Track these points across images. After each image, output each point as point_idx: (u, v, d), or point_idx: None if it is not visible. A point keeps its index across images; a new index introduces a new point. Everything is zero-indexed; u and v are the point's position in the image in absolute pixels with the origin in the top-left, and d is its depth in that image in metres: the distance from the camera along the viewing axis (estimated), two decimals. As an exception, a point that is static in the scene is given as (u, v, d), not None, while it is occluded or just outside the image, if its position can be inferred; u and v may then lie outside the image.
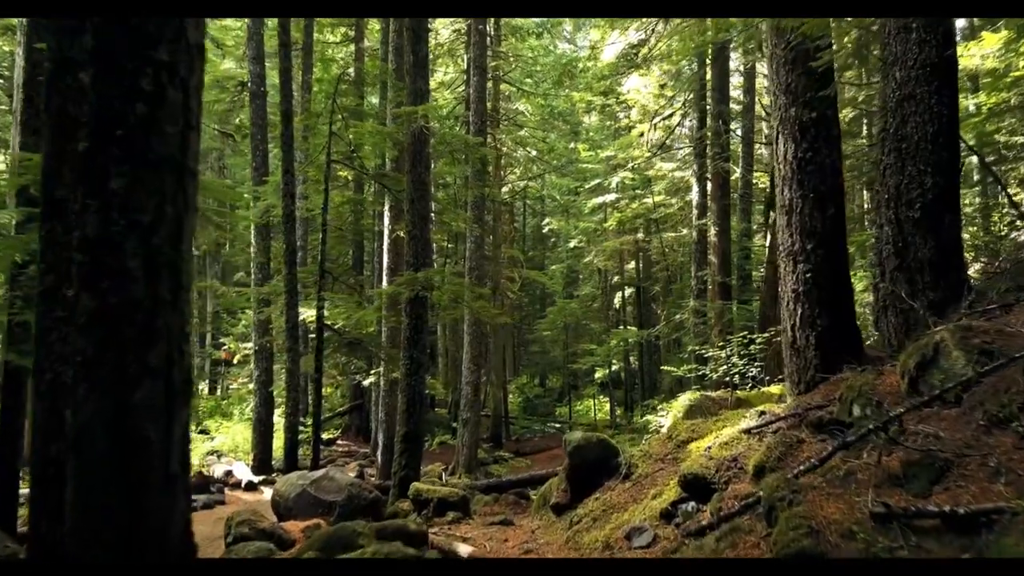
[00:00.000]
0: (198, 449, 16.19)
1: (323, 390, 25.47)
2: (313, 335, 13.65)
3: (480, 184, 15.42)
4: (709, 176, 15.94)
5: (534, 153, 25.57)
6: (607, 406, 29.58)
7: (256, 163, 15.05)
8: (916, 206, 7.29)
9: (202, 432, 18.48)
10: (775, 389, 12.28)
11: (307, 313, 13.58)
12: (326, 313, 13.33)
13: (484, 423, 24.16)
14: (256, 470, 15.14)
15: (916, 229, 7.26)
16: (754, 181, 20.84)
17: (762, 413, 5.81)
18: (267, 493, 14.60)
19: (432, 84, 24.46)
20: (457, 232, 22.58)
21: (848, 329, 5.82)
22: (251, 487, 14.37)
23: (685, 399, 12.49)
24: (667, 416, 13.19)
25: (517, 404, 31.59)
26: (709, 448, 5.71)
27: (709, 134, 15.50)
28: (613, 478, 7.20)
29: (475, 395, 17.07)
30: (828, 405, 5.22)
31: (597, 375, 29.30)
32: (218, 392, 26.67)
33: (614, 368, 29.19)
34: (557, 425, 29.06)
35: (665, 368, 15.24)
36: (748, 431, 5.51)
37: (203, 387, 27.52)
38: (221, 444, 16.56)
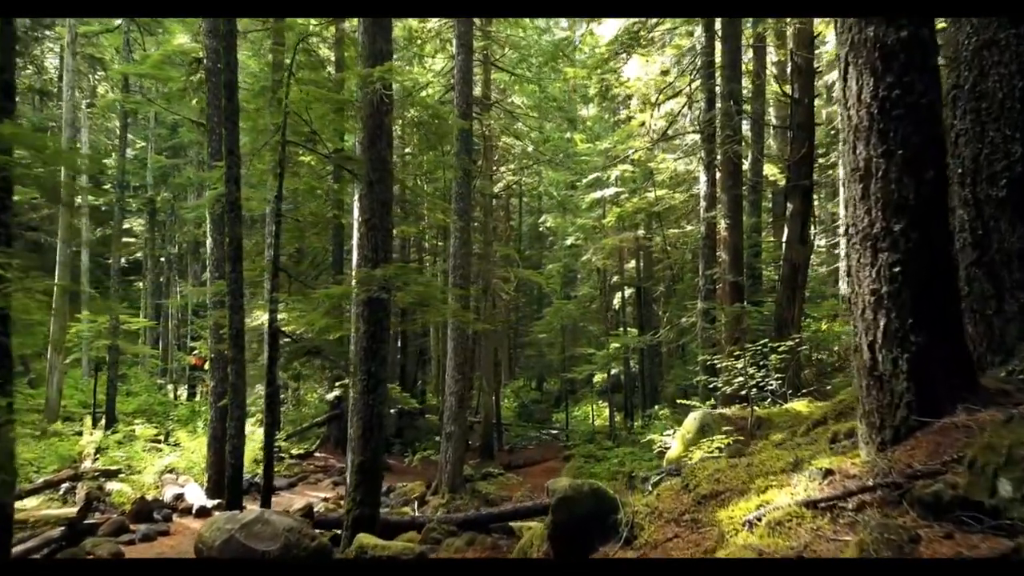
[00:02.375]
0: (150, 467, 14.28)
1: (302, 397, 23.64)
2: (284, 341, 11.75)
3: (463, 164, 13.53)
4: (718, 163, 14.00)
5: (530, 148, 23.65)
6: (606, 412, 27.65)
7: (212, 148, 13.16)
8: (1001, 182, 5.39)
9: (157, 441, 16.56)
10: (801, 407, 10.33)
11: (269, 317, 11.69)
12: (283, 317, 11.45)
13: (477, 429, 22.25)
14: (211, 493, 13.26)
15: (1000, 211, 5.36)
16: (764, 172, 18.92)
17: (829, 473, 3.87)
18: (222, 519, 12.71)
19: (421, 72, 22.57)
20: (447, 228, 20.69)
21: (957, 349, 3.89)
22: (203, 513, 12.47)
23: (695, 418, 10.55)
24: (674, 437, 11.26)
25: (512, 409, 29.67)
26: (750, 524, 3.78)
27: (718, 115, 13.56)
28: (610, 542, 5.27)
29: (460, 406, 15.16)
30: (943, 471, 3.29)
31: (596, 379, 27.38)
32: (197, 398, 24.74)
33: (613, 372, 27.28)
34: (554, 431, 27.18)
35: (682, 403, 13.32)
36: (813, 504, 3.58)
37: (182, 393, 25.63)
38: (178, 460, 14.63)
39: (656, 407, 24.91)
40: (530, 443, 25.59)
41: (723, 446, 4.91)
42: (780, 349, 10.21)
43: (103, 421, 19.45)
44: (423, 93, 20.86)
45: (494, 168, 20.72)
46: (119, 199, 19.65)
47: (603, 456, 18.94)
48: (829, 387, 10.84)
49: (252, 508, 10.94)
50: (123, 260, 29.87)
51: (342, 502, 13.00)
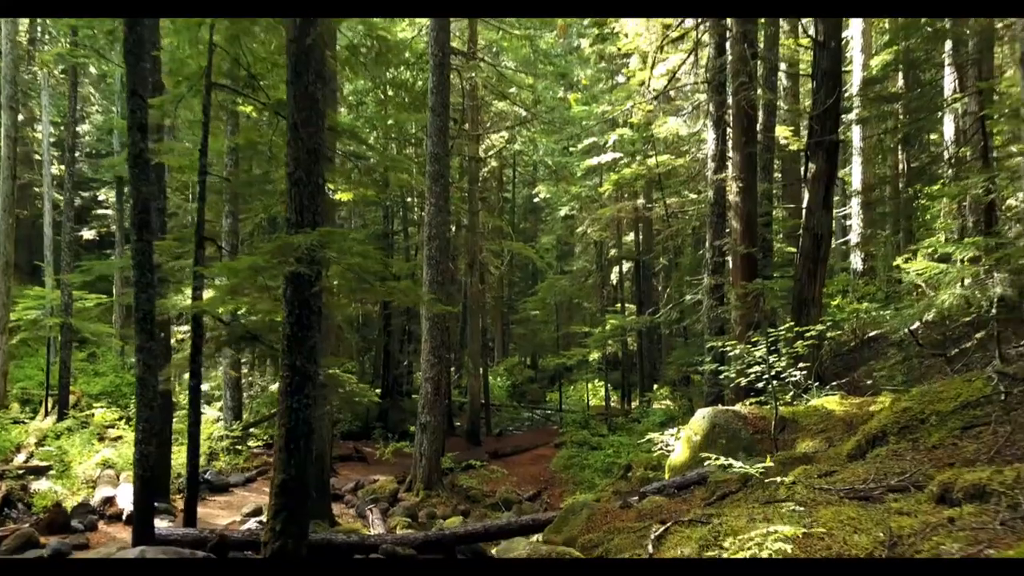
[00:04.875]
0: (80, 463, 12.39)
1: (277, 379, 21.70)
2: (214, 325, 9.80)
3: (438, 121, 11.50)
4: (729, 118, 11.95)
5: (522, 112, 21.49)
6: (602, 391, 25.79)
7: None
8: None
9: (101, 438, 14.65)
10: (832, 404, 8.38)
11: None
12: (211, 296, 9.49)
13: (467, 410, 20.39)
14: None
15: None
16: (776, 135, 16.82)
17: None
18: (158, 526, 10.86)
19: (401, 28, 20.33)
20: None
21: None
22: (136, 520, 10.63)
23: (704, 417, 8.63)
24: (677, 437, 9.36)
25: (505, 388, 27.81)
26: None
27: (730, 60, 11.48)
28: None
29: (436, 393, 13.30)
30: None
31: (592, 357, 25.51)
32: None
33: (610, 349, 25.36)
34: (548, 412, 25.37)
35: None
36: None
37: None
38: (116, 455, 12.73)
39: (656, 386, 23.04)
40: (522, 425, 23.80)
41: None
42: (808, 334, 8.25)
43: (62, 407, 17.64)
44: (406, 54, 18.71)
45: (481, 131, 18.61)
46: (71, 164, 17.61)
47: (598, 443, 17.13)
48: (869, 381, 8.88)
49: (174, 526, 9.10)
50: (94, 233, 27.87)
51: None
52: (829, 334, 11.83)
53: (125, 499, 11.05)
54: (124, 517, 10.59)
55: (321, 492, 10.75)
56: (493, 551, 8.27)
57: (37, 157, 26.72)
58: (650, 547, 3.94)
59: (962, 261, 7.82)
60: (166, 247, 9.04)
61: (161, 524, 10.45)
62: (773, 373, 8.07)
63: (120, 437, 14.26)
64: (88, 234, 27.00)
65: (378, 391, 23.75)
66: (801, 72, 17.51)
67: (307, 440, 6.58)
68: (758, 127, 13.90)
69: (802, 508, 3.58)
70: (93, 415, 17.72)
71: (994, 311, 6.95)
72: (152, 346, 7.86)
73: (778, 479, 5.00)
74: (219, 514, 11.49)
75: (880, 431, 5.42)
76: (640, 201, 19.59)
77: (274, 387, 15.48)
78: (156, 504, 11.17)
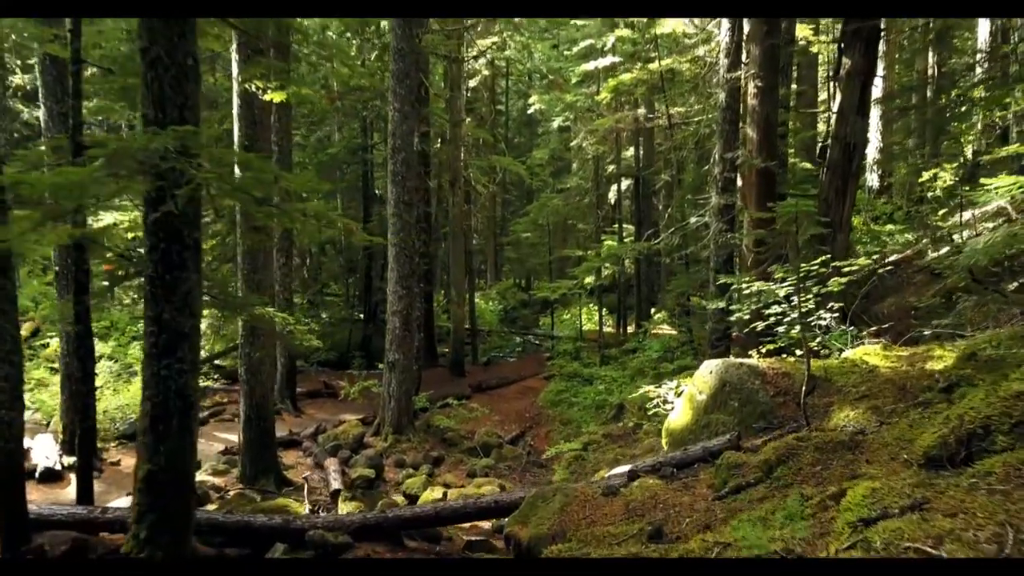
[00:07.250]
0: None
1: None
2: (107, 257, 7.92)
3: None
4: (749, 3, 9.66)
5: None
6: (596, 315, 24.09)
7: None
8: None
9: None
10: (873, 357, 6.51)
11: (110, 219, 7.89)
12: (121, 220, 7.65)
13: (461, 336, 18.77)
14: (69, 447, 9.86)
15: None
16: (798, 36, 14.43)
17: None
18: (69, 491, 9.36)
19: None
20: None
21: None
22: (52, 477, 9.15)
23: (711, 372, 6.85)
24: (680, 397, 7.64)
25: (496, 313, 26.16)
26: None
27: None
28: None
29: (406, 328, 11.55)
30: None
31: (586, 281, 23.73)
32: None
33: (606, 273, 23.53)
34: (541, 337, 23.80)
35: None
36: None
37: (122, 297, 21.95)
38: (46, 396, 11.10)
39: (653, 311, 21.36)
40: (512, 352, 22.25)
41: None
42: (847, 269, 6.37)
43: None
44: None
45: (461, 27, 16.12)
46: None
47: (589, 376, 15.55)
48: (917, 328, 7.03)
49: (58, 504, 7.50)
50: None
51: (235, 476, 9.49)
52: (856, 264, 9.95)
53: (41, 452, 9.47)
54: (37, 474, 9.04)
55: (265, 445, 9.17)
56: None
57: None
58: None
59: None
60: (36, 157, 7.08)
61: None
62: (801, 313, 6.23)
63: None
64: (50, 150, 24.75)
65: (361, 315, 22.19)
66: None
67: (184, 417, 4.82)
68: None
69: None
70: (47, 345, 16.21)
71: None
72: (5, 284, 6.03)
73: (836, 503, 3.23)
74: (154, 467, 9.96)
75: (981, 425, 3.62)
76: (640, 111, 17.30)
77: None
78: (75, 460, 9.74)
